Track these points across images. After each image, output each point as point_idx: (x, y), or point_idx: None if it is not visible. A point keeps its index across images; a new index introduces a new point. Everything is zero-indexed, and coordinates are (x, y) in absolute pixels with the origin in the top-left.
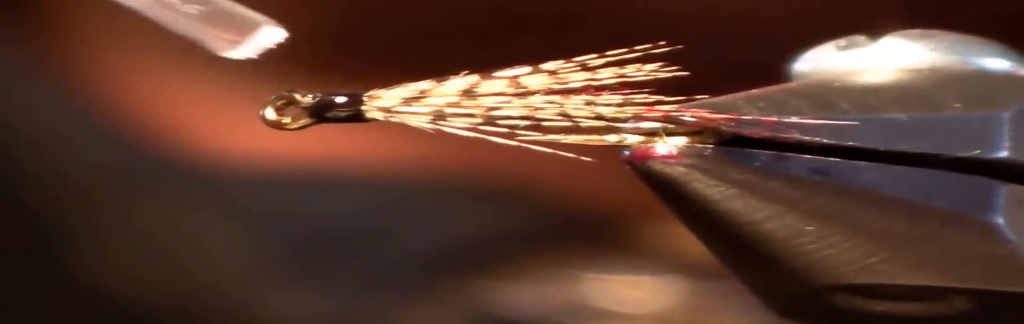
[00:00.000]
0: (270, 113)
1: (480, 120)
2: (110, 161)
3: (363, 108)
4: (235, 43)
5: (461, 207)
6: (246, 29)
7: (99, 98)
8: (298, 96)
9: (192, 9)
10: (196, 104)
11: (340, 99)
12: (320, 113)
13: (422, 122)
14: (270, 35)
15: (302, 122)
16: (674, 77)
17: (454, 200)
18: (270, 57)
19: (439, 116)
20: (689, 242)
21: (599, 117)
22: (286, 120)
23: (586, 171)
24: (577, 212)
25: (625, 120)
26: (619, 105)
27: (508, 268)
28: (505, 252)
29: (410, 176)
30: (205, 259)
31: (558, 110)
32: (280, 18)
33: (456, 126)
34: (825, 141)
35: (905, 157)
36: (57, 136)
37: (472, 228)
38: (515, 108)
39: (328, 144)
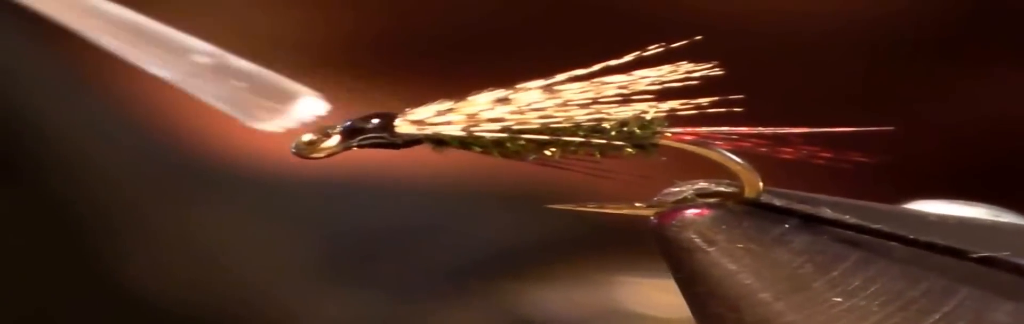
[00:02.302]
0: (300, 147)
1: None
2: (156, 167)
3: (395, 124)
4: (275, 113)
5: (496, 212)
6: (286, 99)
7: (145, 106)
8: (328, 130)
9: (233, 82)
10: None
11: (372, 123)
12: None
13: (455, 132)
14: (311, 106)
15: (330, 150)
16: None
17: (489, 205)
18: (309, 63)
19: (472, 124)
20: None
21: (629, 136)
22: (317, 154)
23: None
24: (610, 217)
25: (655, 140)
26: (650, 129)
27: (542, 272)
28: (539, 256)
29: (446, 181)
30: (246, 262)
31: (589, 126)
32: (317, 24)
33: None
34: (855, 221)
35: (934, 247)
36: (103, 143)
37: (506, 233)
38: (545, 121)
39: (366, 150)
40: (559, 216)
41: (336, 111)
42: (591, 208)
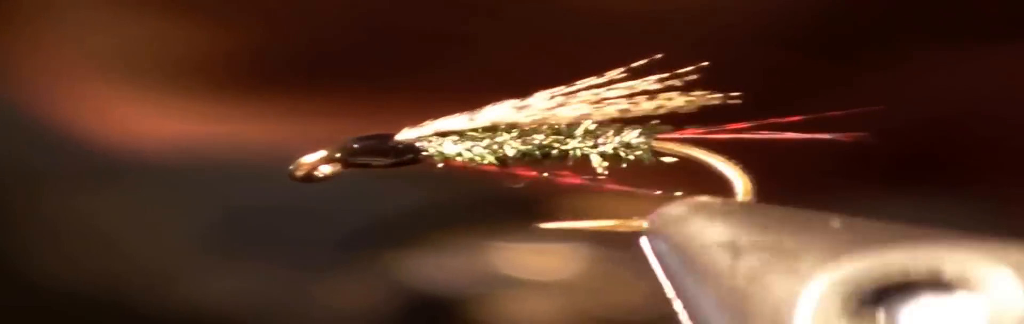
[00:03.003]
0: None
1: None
2: (47, 156)
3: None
4: None
5: (372, 184)
6: None
7: (30, 95)
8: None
9: None
10: (114, 98)
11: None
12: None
13: (459, 126)
14: None
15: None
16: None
17: (369, 179)
18: (184, 63)
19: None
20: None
21: (626, 144)
22: (300, 172)
23: None
24: (485, 186)
25: (650, 142)
26: (646, 131)
27: (420, 241)
28: (417, 226)
29: None
30: (142, 245)
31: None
32: (197, 36)
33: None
34: None
35: None
36: None
37: (383, 204)
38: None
39: (245, 129)
40: (435, 187)
41: (217, 127)
42: (583, 226)
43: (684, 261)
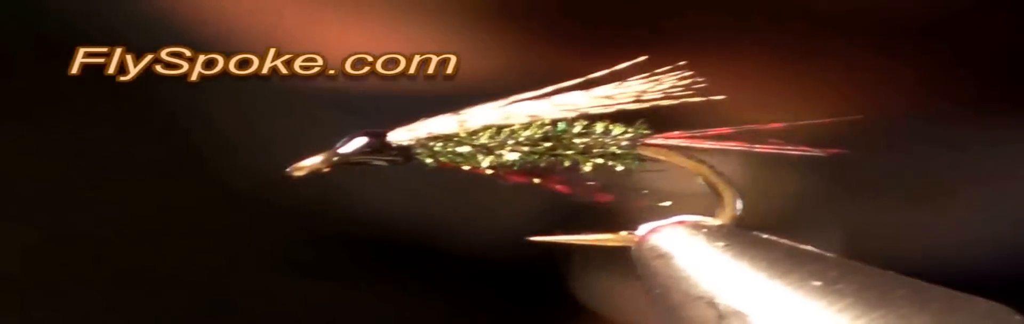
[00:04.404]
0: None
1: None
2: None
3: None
4: None
5: None
6: None
7: None
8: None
9: None
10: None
11: (363, 138)
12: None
13: (449, 130)
14: None
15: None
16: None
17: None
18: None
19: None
20: None
21: (613, 154)
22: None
23: None
24: None
25: (636, 145)
26: (633, 133)
27: None
28: None
29: None
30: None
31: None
32: None
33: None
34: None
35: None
36: None
37: None
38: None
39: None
40: None
41: None
42: (573, 240)
43: (670, 307)
